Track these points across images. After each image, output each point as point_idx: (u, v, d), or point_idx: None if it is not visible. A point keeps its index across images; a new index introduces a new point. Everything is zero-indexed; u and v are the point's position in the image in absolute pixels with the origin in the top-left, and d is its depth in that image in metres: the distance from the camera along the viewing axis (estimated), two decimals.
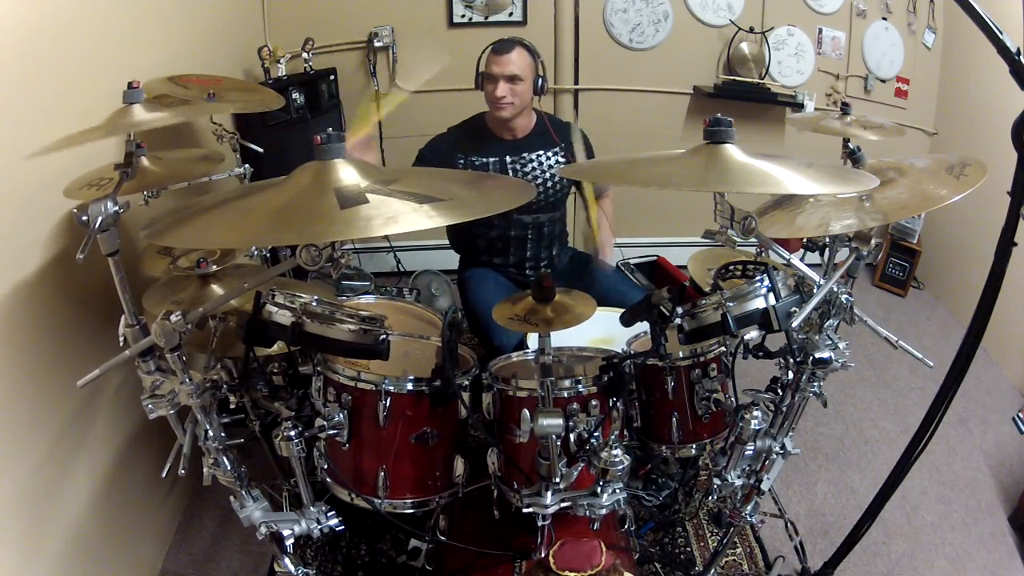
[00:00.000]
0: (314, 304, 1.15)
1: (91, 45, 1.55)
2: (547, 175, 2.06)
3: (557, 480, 1.23)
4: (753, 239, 1.08)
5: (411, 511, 1.32)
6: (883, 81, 3.32)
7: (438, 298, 3.07)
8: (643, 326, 1.33)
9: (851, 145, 1.46)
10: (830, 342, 1.22)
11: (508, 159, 2.04)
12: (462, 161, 2.04)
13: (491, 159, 2.04)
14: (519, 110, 1.97)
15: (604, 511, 1.26)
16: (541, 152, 2.06)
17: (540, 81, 1.97)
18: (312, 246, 0.92)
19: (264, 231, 0.95)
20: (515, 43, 1.92)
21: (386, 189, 0.95)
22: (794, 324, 1.16)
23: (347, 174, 0.97)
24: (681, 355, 1.43)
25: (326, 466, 1.30)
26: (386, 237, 3.09)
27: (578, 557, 1.16)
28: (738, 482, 1.34)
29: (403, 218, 0.88)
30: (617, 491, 1.26)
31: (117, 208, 1.02)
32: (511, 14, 3.07)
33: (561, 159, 2.07)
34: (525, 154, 2.05)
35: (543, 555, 1.22)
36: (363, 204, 0.90)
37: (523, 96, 1.94)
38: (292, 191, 0.98)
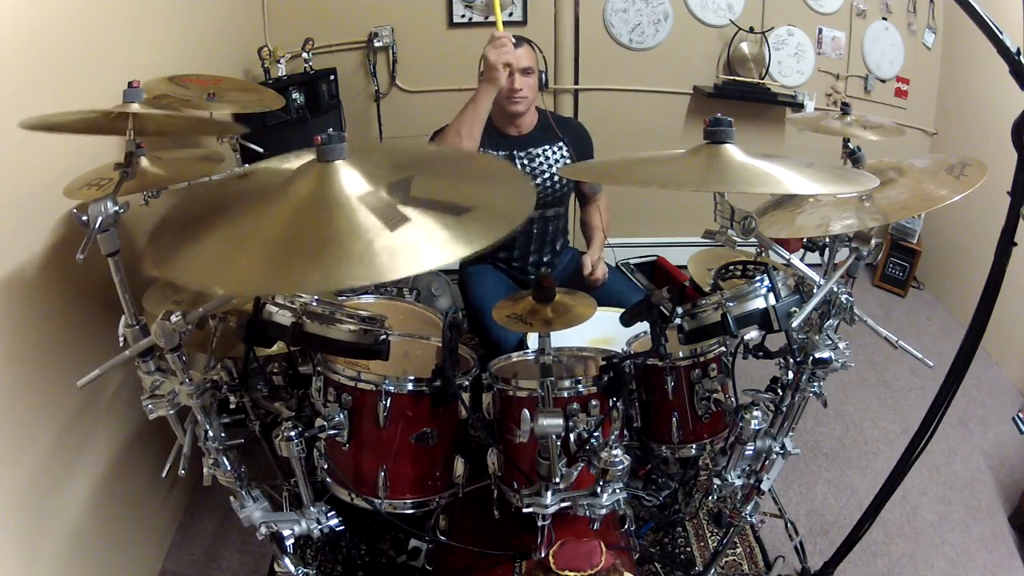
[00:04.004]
0: (314, 304, 1.15)
1: (91, 45, 1.55)
2: (552, 170, 2.07)
3: (557, 480, 1.23)
4: (753, 239, 1.08)
5: (411, 511, 1.32)
6: (883, 81, 3.32)
7: (438, 298, 3.07)
8: (643, 326, 1.33)
9: (851, 145, 1.45)
10: (830, 342, 1.22)
11: (516, 154, 2.05)
12: None
13: (500, 153, 2.05)
14: (531, 104, 2.00)
15: (604, 511, 1.26)
16: (547, 147, 2.08)
17: (543, 76, 2.00)
18: None
19: (315, 269, 0.75)
20: (521, 40, 1.94)
21: (410, 199, 0.86)
22: (794, 324, 1.16)
23: (352, 178, 0.89)
24: (681, 355, 1.42)
25: (326, 466, 1.30)
26: None
27: (578, 557, 1.16)
28: (738, 482, 1.34)
29: (448, 246, 0.77)
30: (617, 491, 1.25)
31: (117, 208, 1.02)
32: (511, 14, 3.07)
33: (565, 155, 2.08)
34: (531, 149, 2.06)
35: (543, 555, 1.22)
36: (406, 222, 0.78)
37: (534, 90, 1.98)
38: (303, 199, 0.87)
